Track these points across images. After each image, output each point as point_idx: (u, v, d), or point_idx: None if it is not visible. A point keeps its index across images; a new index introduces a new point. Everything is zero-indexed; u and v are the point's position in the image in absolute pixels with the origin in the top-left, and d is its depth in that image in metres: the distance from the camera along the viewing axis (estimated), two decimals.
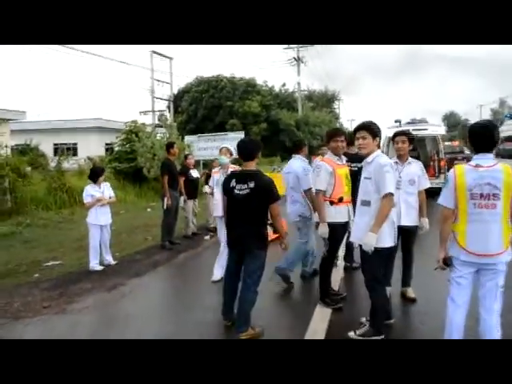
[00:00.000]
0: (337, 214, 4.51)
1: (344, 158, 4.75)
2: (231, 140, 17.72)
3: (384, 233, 3.54)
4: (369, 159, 3.70)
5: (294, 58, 33.59)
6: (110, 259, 6.59)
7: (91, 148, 25.69)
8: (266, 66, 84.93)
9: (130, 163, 15.97)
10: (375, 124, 3.78)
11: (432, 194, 4.91)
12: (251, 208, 3.81)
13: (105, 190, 6.57)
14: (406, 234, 4.46)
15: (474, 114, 77.97)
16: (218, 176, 5.70)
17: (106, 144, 27.82)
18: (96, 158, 19.34)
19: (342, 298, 4.72)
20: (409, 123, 14.15)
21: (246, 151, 3.99)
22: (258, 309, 3.94)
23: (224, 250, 5.48)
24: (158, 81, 27.54)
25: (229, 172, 5.40)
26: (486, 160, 2.95)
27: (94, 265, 6.26)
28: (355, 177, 4.83)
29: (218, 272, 5.53)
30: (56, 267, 6.51)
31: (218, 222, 5.88)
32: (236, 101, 33.41)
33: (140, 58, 73.83)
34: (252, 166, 3.96)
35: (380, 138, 3.73)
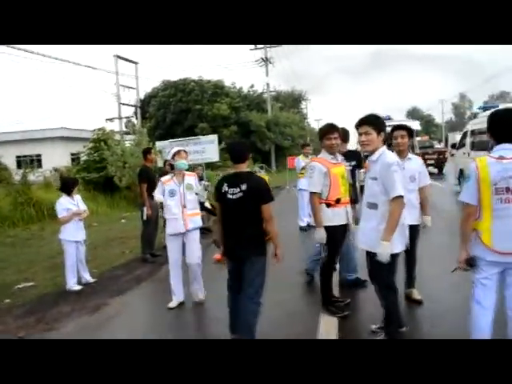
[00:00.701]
0: (334, 216, 4.25)
1: (340, 157, 4.49)
2: (204, 144, 17.32)
3: (394, 238, 3.29)
4: (374, 157, 3.43)
5: (262, 59, 33.44)
6: (88, 277, 6.11)
7: (56, 159, 24.66)
8: (234, 67, 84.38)
9: (100, 172, 15.39)
10: (379, 117, 3.53)
11: None
12: (246, 212, 3.52)
13: (78, 202, 6.10)
14: (409, 234, 4.24)
15: (435, 109, 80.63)
16: (171, 185, 4.88)
17: (72, 154, 26.87)
18: (63, 168, 18.49)
19: (345, 304, 4.46)
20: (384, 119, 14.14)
21: (236, 153, 3.72)
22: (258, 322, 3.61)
23: (196, 269, 4.93)
24: (124, 86, 26.83)
25: (187, 180, 4.92)
26: (510, 151, 2.74)
27: (72, 285, 5.77)
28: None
29: (200, 292, 5.02)
30: (29, 289, 5.98)
31: (168, 242, 4.97)
32: (205, 104, 32.91)
33: (104, 64, 72.17)
34: (243, 168, 3.67)
35: (385, 133, 3.47)
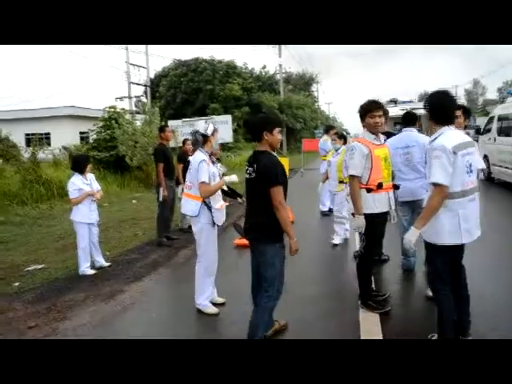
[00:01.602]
0: (375, 203, 3.84)
1: (383, 137, 4.05)
2: (217, 124, 16.85)
3: (442, 227, 2.93)
4: (431, 138, 3.10)
5: None
6: (101, 261, 5.76)
7: (65, 137, 24.29)
8: (246, 46, 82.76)
9: (110, 151, 14.96)
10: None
11: None
12: (256, 194, 3.20)
13: (92, 181, 5.71)
14: None
15: None
16: (213, 167, 4.11)
17: (81, 133, 26.54)
18: (72, 147, 18.11)
19: (385, 298, 4.07)
20: (404, 102, 13.65)
21: (251, 130, 3.36)
22: (288, 320, 3.26)
23: (205, 273, 4.14)
24: (134, 65, 26.26)
25: (214, 160, 4.32)
26: None
27: (85, 269, 5.43)
28: None
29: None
30: (39, 272, 5.65)
31: (209, 236, 4.12)
32: (216, 84, 32.27)
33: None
34: (261, 146, 3.22)
35: (430, 113, 3.07)
